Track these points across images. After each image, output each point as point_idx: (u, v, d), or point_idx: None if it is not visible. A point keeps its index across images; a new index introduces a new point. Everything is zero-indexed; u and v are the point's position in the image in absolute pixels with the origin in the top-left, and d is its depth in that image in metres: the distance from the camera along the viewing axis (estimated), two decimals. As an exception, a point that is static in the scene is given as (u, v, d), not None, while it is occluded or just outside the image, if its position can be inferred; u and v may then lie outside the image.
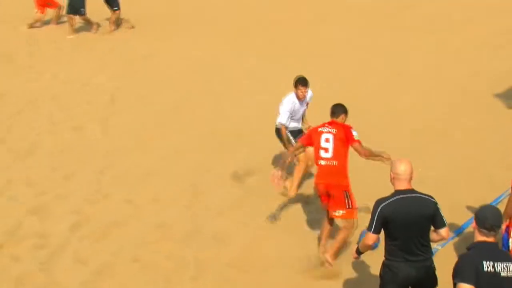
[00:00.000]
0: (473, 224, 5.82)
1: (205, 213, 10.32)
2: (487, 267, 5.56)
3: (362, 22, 19.40)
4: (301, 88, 10.33)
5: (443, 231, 6.72)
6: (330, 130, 8.78)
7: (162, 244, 9.55)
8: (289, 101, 10.44)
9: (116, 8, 19.42)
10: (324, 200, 8.88)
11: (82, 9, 18.98)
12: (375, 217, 6.65)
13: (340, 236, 8.75)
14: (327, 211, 8.92)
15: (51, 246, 9.52)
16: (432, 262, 6.84)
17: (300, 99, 10.41)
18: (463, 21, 19.04)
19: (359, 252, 7.13)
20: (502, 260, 5.65)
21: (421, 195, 6.70)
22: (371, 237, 6.76)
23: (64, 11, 19.68)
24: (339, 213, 8.72)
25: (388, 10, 20.46)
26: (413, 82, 15.13)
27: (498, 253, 5.76)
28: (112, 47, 18.39)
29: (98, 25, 19.61)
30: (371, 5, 20.97)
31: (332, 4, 21.44)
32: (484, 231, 5.74)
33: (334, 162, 8.66)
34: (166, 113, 14.11)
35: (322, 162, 8.75)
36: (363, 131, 9.44)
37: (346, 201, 8.64)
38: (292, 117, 10.52)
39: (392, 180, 6.80)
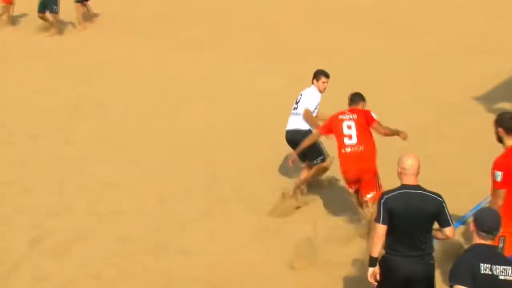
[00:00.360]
0: (472, 226, 5.87)
1: (172, 224, 10.19)
2: (484, 269, 5.60)
3: (362, 22, 19.92)
4: (324, 79, 10.50)
5: (448, 230, 6.81)
6: (351, 116, 9.31)
7: (126, 259, 9.38)
8: (315, 95, 10.48)
9: None
10: (354, 186, 9.30)
11: (55, 7, 19.09)
12: (381, 208, 6.83)
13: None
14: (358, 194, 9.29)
15: (8, 263, 9.32)
16: (432, 259, 6.91)
17: (322, 91, 10.50)
18: (462, 22, 19.44)
19: (373, 262, 6.97)
20: (500, 263, 5.68)
21: (426, 192, 6.82)
22: (380, 228, 6.85)
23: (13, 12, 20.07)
24: (370, 195, 9.13)
25: (388, 10, 21.07)
26: (412, 82, 15.43)
27: (496, 256, 5.80)
28: (74, 50, 18.42)
29: (73, 25, 19.81)
30: (371, 5, 21.59)
31: (332, 4, 21.92)
32: (483, 234, 5.79)
33: (361, 147, 9.16)
34: (141, 119, 14.09)
35: (348, 149, 9.22)
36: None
37: (377, 183, 9.16)
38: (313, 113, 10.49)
39: (399, 174, 6.96)
